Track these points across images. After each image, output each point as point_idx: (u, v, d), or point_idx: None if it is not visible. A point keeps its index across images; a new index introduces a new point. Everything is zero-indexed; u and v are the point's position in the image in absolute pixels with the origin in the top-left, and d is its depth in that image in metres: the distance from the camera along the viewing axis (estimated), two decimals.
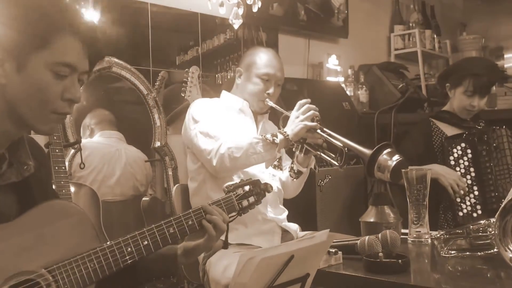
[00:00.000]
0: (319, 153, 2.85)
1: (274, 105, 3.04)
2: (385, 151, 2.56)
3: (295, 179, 3.06)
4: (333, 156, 2.81)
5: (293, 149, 2.97)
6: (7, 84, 1.51)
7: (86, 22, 1.62)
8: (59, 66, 1.54)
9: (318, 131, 2.80)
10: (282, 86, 3.15)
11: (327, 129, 2.81)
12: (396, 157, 2.52)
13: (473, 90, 3.66)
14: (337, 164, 2.79)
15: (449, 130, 3.77)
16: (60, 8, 1.55)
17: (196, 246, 1.94)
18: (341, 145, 2.73)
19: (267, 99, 3.03)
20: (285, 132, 2.77)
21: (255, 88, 3.03)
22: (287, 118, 2.87)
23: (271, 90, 3.03)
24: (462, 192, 3.52)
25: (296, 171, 3.03)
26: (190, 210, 1.88)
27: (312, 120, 2.79)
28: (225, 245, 2.07)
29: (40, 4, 1.52)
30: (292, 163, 3.05)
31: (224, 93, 3.20)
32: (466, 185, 3.54)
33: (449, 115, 3.83)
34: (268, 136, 2.74)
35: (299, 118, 2.78)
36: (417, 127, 3.92)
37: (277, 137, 2.74)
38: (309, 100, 2.85)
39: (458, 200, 3.55)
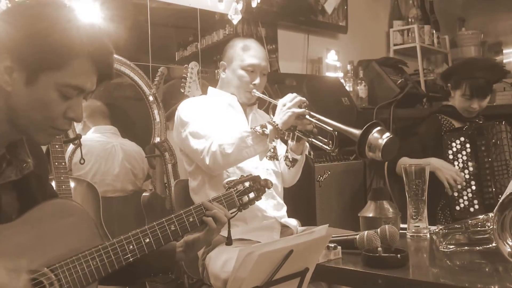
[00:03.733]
0: (310, 139, 2.84)
1: (261, 95, 3.03)
2: (374, 130, 2.49)
3: (291, 168, 3.05)
4: (325, 141, 2.78)
5: (285, 137, 2.96)
6: (12, 92, 1.51)
7: (102, 45, 1.61)
8: (68, 88, 1.54)
9: (307, 116, 2.78)
10: (281, 81, 3.14)
11: (315, 113, 2.79)
12: (387, 135, 2.46)
13: (470, 94, 3.68)
14: (329, 148, 2.77)
15: (456, 124, 3.79)
16: (81, 33, 1.54)
17: (196, 239, 1.97)
18: (331, 129, 2.71)
19: (253, 90, 3.01)
20: (274, 122, 2.74)
21: (240, 80, 3.01)
22: (276, 107, 2.85)
23: (257, 81, 3.00)
24: (459, 186, 3.53)
25: (291, 159, 3.01)
26: (191, 207, 1.90)
27: (300, 107, 2.77)
28: (229, 241, 2.08)
29: (63, 27, 1.52)
30: (286, 151, 3.03)
31: (210, 89, 3.19)
32: (463, 179, 3.55)
33: (452, 109, 3.84)
34: (258, 128, 2.71)
35: (286, 105, 2.75)
36: (426, 122, 3.92)
37: (266, 128, 2.72)
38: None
39: (456, 194, 3.56)
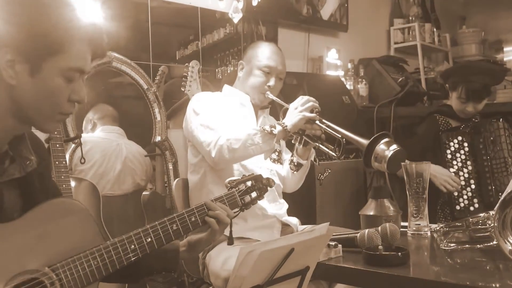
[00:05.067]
0: (317, 144, 2.85)
1: (274, 98, 3.05)
2: (382, 141, 2.52)
3: (295, 172, 3.06)
4: (332, 147, 2.80)
5: (292, 141, 2.97)
6: (17, 85, 1.52)
7: (93, 24, 1.63)
8: (72, 72, 1.56)
9: (317, 122, 2.79)
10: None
11: (326, 120, 2.81)
12: (394, 147, 2.49)
13: (466, 98, 3.69)
14: (335, 155, 2.78)
15: (453, 123, 3.80)
16: (72, 14, 1.56)
17: (199, 240, 1.97)
18: (339, 136, 2.73)
19: (267, 92, 3.03)
20: (283, 123, 2.77)
21: (256, 80, 3.04)
22: (287, 111, 2.87)
23: (271, 82, 3.03)
24: (455, 192, 3.55)
25: (296, 164, 3.03)
26: (194, 207, 1.89)
27: (311, 112, 2.79)
28: (230, 240, 2.08)
29: (55, 11, 1.53)
30: (292, 155, 3.05)
31: (226, 86, 3.21)
32: (460, 181, 3.57)
33: (449, 108, 3.85)
34: (267, 127, 2.74)
35: (298, 109, 2.79)
36: (424, 123, 3.93)
37: (275, 128, 2.74)
38: (311, 98, 2.85)
39: (455, 194, 3.57)
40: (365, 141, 2.56)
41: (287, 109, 2.89)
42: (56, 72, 1.54)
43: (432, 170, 3.54)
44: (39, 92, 1.54)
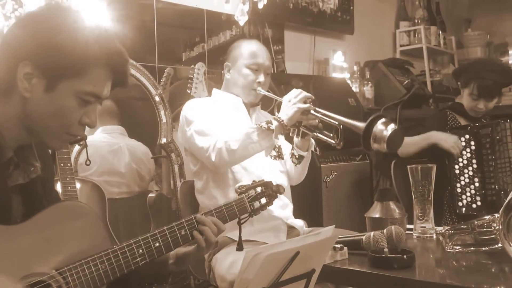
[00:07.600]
0: (316, 134, 2.83)
1: (266, 93, 3.03)
2: (379, 122, 2.46)
3: (298, 165, 3.04)
4: (330, 135, 2.78)
5: (290, 134, 2.95)
6: (30, 98, 1.54)
7: (118, 53, 1.64)
8: (87, 95, 1.58)
9: (312, 111, 2.78)
10: (288, 82, 3.13)
11: (320, 109, 2.79)
12: (392, 126, 2.43)
13: (478, 94, 3.72)
14: (334, 142, 2.75)
15: (462, 121, 3.83)
16: (99, 43, 1.58)
17: (186, 254, 1.94)
18: (336, 122, 2.71)
19: (258, 88, 3.01)
20: (279, 117, 2.73)
21: (245, 79, 3.01)
22: (281, 105, 2.85)
23: (261, 79, 3.01)
24: (459, 153, 3.64)
25: (297, 156, 3.00)
26: (202, 213, 1.89)
27: (305, 102, 2.77)
28: (240, 246, 2.08)
29: (81, 37, 1.55)
30: (292, 149, 3.02)
31: (215, 91, 3.19)
32: (462, 147, 3.65)
33: (460, 107, 3.89)
34: (263, 123, 2.71)
35: (291, 101, 2.75)
36: (433, 118, 3.97)
37: (272, 124, 2.72)
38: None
39: (459, 191, 3.59)
40: (361, 124, 2.51)
41: (280, 102, 2.87)
42: (71, 93, 1.56)
43: (441, 135, 3.68)
44: (50, 109, 1.56)
